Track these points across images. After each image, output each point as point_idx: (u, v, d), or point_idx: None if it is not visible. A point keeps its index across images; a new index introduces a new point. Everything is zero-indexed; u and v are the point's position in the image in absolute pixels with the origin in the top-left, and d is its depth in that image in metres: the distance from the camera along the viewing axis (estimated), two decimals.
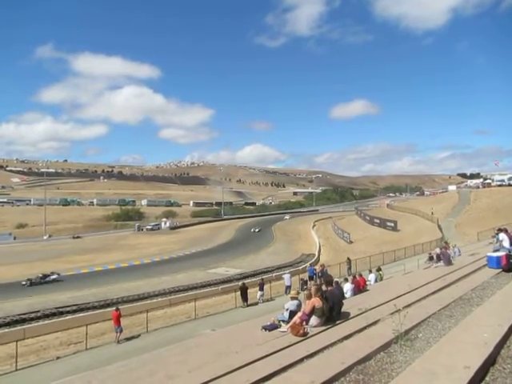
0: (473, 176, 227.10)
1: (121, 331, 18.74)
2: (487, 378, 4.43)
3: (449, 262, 16.71)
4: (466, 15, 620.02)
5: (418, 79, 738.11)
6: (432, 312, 7.67)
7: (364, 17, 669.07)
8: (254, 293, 26.09)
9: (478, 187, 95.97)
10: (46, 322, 24.58)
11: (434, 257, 20.67)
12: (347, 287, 15.63)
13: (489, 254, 14.33)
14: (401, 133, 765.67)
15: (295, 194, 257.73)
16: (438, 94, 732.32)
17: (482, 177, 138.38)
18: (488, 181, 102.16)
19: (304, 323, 7.50)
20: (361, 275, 20.73)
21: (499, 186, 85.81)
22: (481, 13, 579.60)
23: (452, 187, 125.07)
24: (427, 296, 9.61)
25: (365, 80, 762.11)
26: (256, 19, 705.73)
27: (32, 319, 25.61)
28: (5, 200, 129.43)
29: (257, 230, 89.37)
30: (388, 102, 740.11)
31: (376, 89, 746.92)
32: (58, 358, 16.88)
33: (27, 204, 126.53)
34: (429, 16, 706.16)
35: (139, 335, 19.76)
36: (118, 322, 18.71)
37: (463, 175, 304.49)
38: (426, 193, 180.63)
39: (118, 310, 19.69)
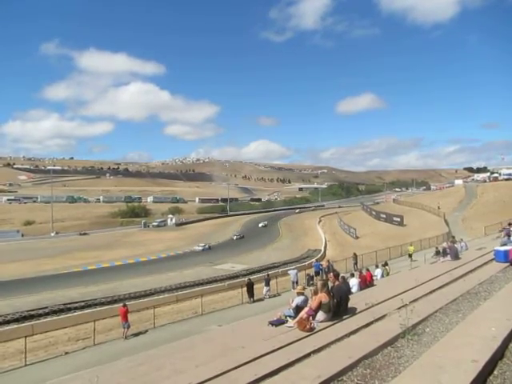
0: (480, 170, 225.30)
1: (128, 327, 18.85)
2: (495, 372, 4.41)
3: (456, 257, 16.63)
4: (475, 7, 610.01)
5: (425, 72, 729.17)
6: (439, 306, 7.65)
7: (370, 10, 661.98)
8: (260, 288, 26.12)
9: (485, 181, 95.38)
10: (55, 318, 24.79)
11: (441, 251, 20.57)
12: (353, 282, 15.60)
13: (496, 248, 14.27)
14: (407, 127, 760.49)
15: (301, 189, 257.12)
16: (445, 87, 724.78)
17: (489, 171, 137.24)
18: (495, 175, 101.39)
19: (311, 318, 7.51)
20: (368, 270, 20.68)
21: (506, 179, 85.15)
22: (489, 4, 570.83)
23: (459, 181, 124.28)
24: (434, 290, 9.59)
25: (371, 74, 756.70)
26: (260, 14, 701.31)
27: (40, 315, 25.84)
28: (12, 197, 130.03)
29: (206, 246, 62.75)
30: (395, 96, 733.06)
31: (383, 83, 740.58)
32: (66, 353, 17.02)
33: (34, 201, 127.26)
34: (436, 8, 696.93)
35: (146, 331, 19.87)
36: (125, 317, 18.81)
37: (470, 169, 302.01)
38: (432, 187, 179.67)
39: (125, 305, 19.80)
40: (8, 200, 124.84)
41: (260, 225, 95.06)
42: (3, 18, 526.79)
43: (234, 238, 74.77)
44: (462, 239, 26.67)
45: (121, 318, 18.93)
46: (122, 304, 21.17)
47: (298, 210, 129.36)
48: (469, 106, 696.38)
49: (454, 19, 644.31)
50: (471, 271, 12.34)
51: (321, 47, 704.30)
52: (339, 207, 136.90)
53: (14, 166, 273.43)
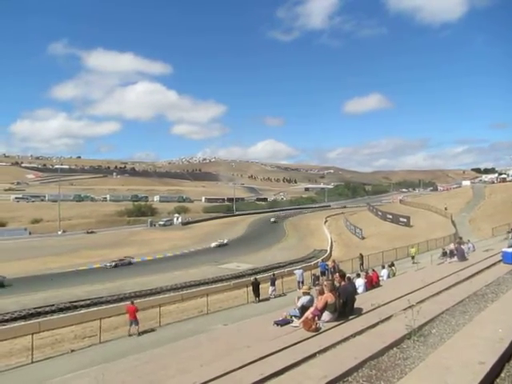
0: (487, 171, 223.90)
1: (137, 324, 18.93)
2: (503, 375, 4.37)
3: (463, 258, 16.53)
4: (482, 7, 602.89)
5: (432, 72, 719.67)
6: (446, 308, 7.60)
7: (377, 9, 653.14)
8: (265, 288, 26.11)
9: (493, 182, 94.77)
10: (61, 315, 24.95)
11: (448, 252, 20.46)
12: (359, 283, 15.54)
13: (504, 249, 14.16)
14: (414, 127, 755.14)
15: (307, 189, 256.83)
16: (453, 87, 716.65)
17: (497, 172, 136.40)
18: (503, 176, 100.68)
19: (316, 318, 7.49)
20: (374, 270, 20.61)
21: None
22: (497, 4, 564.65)
23: (466, 182, 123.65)
24: (441, 292, 9.53)
25: (379, 74, 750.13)
26: (268, 13, 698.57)
27: (47, 313, 26.05)
28: (20, 196, 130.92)
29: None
30: (402, 96, 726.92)
31: (390, 83, 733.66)
32: (72, 350, 17.10)
33: (42, 200, 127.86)
34: (444, 8, 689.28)
35: (152, 329, 19.93)
36: (134, 315, 18.90)
37: (477, 170, 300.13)
38: (439, 188, 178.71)
39: (133, 303, 19.94)
40: (16, 198, 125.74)
41: (213, 245, 65.16)
42: (12, 18, 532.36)
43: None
44: (469, 240, 26.50)
45: (129, 316, 19.00)
46: (129, 302, 21.35)
47: (273, 219, 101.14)
48: (476, 106, 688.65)
49: (462, 19, 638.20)
50: (478, 272, 12.25)
51: (328, 47, 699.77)
52: (344, 207, 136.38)
53: (22, 165, 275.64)
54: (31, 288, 35.03)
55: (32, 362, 15.73)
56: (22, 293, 33.25)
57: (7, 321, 24.22)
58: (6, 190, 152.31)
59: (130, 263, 50.34)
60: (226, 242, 67.39)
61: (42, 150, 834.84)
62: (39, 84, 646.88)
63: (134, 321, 18.86)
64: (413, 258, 32.59)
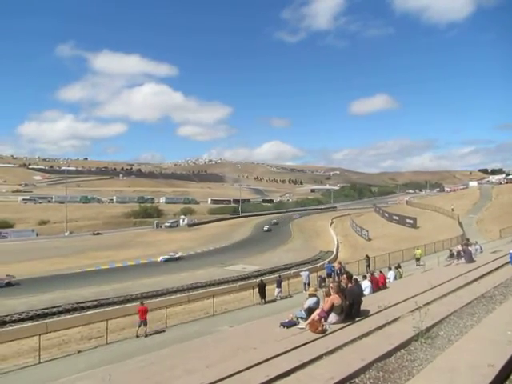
0: (495, 172, 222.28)
1: (145, 325, 18.98)
2: None
3: (470, 259, 16.42)
4: (490, 6, 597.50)
5: (439, 72, 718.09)
6: (453, 309, 7.55)
7: (383, 10, 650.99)
8: (271, 290, 26.08)
9: (501, 183, 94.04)
10: (68, 316, 25.10)
11: (455, 253, 20.33)
12: (365, 284, 15.47)
13: None
14: (421, 128, 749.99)
15: (313, 190, 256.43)
16: (460, 88, 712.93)
17: (504, 172, 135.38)
18: (511, 176, 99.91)
19: (323, 320, 7.47)
20: (381, 272, 20.51)
21: None
22: (505, 3, 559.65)
23: (473, 183, 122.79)
24: (448, 293, 9.47)
25: (385, 74, 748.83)
26: (273, 15, 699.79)
27: (54, 314, 26.18)
28: (28, 197, 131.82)
29: None
30: (408, 97, 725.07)
31: (396, 83, 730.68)
32: (79, 351, 17.17)
33: (49, 201, 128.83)
34: (451, 8, 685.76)
35: (159, 331, 19.97)
36: (144, 316, 18.95)
37: (484, 171, 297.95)
38: (446, 189, 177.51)
39: (143, 304, 20.02)
40: (23, 200, 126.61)
41: (160, 259, 52.96)
42: (19, 19, 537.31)
43: None
44: (476, 242, 26.32)
45: (139, 316, 19.04)
46: (139, 302, 21.45)
47: (266, 228, 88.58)
48: (483, 107, 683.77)
49: (469, 18, 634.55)
50: (486, 274, 12.16)
51: (334, 47, 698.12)
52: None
53: (30, 167, 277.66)
54: (39, 289, 35.24)
55: (39, 363, 15.82)
56: (30, 294, 33.46)
57: (15, 321, 24.39)
58: (13, 192, 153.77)
59: (9, 284, 36.99)
60: (178, 255, 55.71)
61: (49, 152, 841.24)
62: (46, 86, 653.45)
63: (144, 321, 18.91)
64: (418, 259, 32.36)
